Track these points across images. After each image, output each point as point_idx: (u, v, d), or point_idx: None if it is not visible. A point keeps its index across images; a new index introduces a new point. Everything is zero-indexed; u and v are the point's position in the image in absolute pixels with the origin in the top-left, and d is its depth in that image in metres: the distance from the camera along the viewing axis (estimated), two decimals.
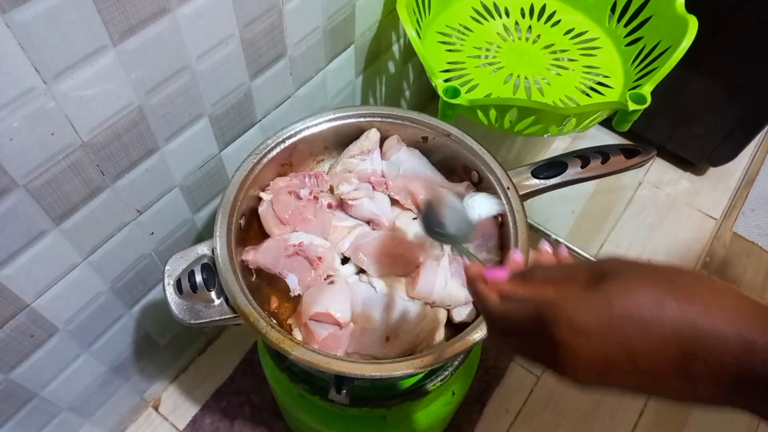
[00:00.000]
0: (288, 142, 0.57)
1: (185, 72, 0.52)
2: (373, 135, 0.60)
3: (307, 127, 0.58)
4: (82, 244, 0.53)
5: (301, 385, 0.54)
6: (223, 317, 0.46)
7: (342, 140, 0.61)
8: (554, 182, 0.57)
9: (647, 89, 0.68)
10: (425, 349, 0.48)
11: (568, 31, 0.85)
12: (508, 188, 0.55)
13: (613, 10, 0.82)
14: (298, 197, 0.56)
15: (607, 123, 0.72)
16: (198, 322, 0.46)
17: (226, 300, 0.47)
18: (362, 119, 0.60)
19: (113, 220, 0.55)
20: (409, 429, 0.60)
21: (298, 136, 0.58)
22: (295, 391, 0.59)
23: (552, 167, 0.58)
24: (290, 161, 0.59)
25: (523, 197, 0.56)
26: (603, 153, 0.58)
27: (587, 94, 0.77)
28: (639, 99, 0.67)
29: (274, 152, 0.56)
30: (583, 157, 0.58)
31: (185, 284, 0.47)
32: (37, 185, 0.45)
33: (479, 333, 0.45)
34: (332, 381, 0.48)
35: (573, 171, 0.58)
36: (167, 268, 0.48)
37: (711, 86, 0.93)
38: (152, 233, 0.62)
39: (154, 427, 0.81)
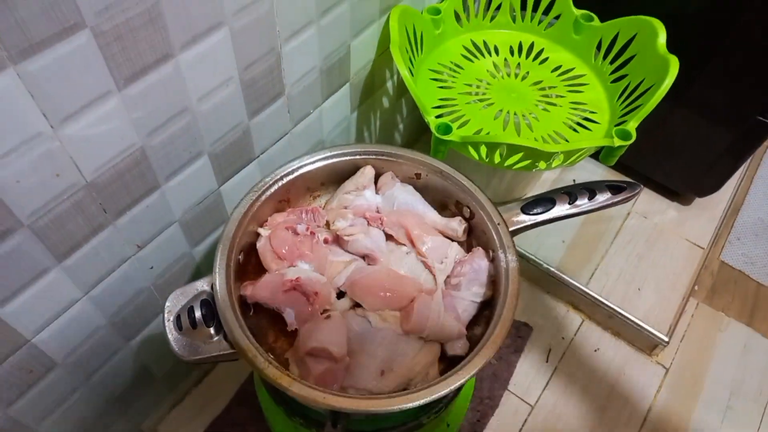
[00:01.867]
0: (285, 180, 0.59)
1: (186, 113, 0.54)
2: (368, 171, 0.62)
3: (304, 165, 0.60)
4: (83, 280, 0.54)
5: (298, 419, 0.55)
6: (221, 353, 0.47)
7: (338, 177, 0.63)
8: (543, 218, 0.59)
9: (632, 125, 0.70)
10: (420, 383, 0.49)
11: (556, 68, 0.88)
12: (498, 224, 0.56)
13: (599, 48, 0.86)
14: (296, 233, 0.57)
15: (596, 155, 0.74)
16: (197, 358, 0.47)
17: (225, 336, 0.48)
18: (357, 156, 0.62)
19: (114, 256, 0.57)
20: None
21: (296, 174, 0.59)
22: (291, 424, 0.59)
23: (541, 203, 0.60)
24: (287, 197, 0.61)
25: (514, 233, 0.58)
26: (590, 190, 0.61)
27: (575, 130, 0.79)
28: (624, 135, 0.70)
29: (272, 189, 0.58)
30: (571, 193, 0.60)
31: (185, 320, 0.48)
32: (41, 225, 0.46)
33: (472, 368, 0.46)
34: (328, 415, 0.49)
35: (561, 207, 0.60)
36: (167, 304, 0.49)
37: (695, 120, 0.96)
38: (152, 267, 0.63)
39: None
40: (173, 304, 0.49)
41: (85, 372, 0.62)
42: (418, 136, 1.12)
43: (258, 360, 0.45)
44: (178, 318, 0.48)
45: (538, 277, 1.01)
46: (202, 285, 0.51)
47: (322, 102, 0.75)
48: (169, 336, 0.47)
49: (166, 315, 0.48)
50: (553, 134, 0.79)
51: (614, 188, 0.61)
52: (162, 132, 0.53)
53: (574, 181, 1.10)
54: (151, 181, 0.55)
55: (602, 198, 0.60)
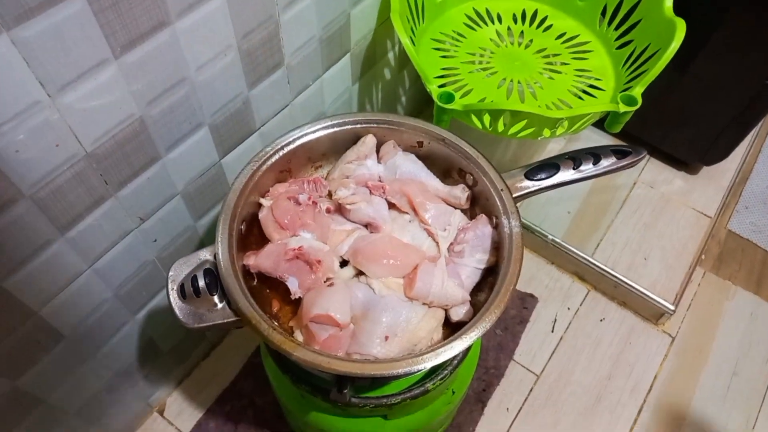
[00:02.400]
0: (286, 149, 0.58)
1: (185, 83, 0.53)
2: (370, 140, 0.61)
3: (305, 134, 0.59)
4: (86, 253, 0.55)
5: (303, 387, 0.55)
6: (225, 320, 0.47)
7: (339, 146, 0.62)
8: (547, 184, 0.59)
9: (638, 91, 0.69)
10: (424, 348, 0.49)
11: (560, 36, 0.86)
12: (502, 190, 0.56)
13: (603, 14, 0.84)
14: (297, 203, 0.57)
15: (601, 125, 0.73)
16: (201, 325, 0.47)
17: (229, 303, 0.48)
18: (358, 125, 0.61)
19: (117, 229, 0.57)
20: (410, 427, 0.62)
21: (296, 143, 0.59)
22: (297, 392, 0.60)
23: (544, 169, 0.59)
24: (289, 168, 0.60)
25: (517, 199, 0.57)
26: (594, 154, 0.60)
27: (579, 97, 0.78)
28: (630, 101, 0.69)
29: (273, 159, 0.57)
30: (575, 158, 0.59)
31: (188, 289, 0.48)
32: (42, 195, 0.46)
33: (476, 331, 0.46)
34: (333, 381, 0.49)
35: (565, 172, 0.59)
36: (170, 273, 0.49)
37: (701, 87, 0.95)
38: (155, 240, 0.63)
39: None
40: (176, 273, 0.49)
41: (92, 345, 0.63)
42: (421, 108, 1.11)
43: (262, 326, 0.45)
44: (181, 287, 0.48)
45: (544, 248, 1.01)
46: (204, 254, 0.51)
47: (323, 73, 0.74)
48: (173, 304, 0.47)
49: (169, 284, 0.48)
50: (558, 102, 0.78)
51: (619, 153, 0.60)
52: (161, 102, 0.52)
53: None
54: (151, 152, 0.55)
55: (607, 163, 0.59)
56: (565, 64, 0.83)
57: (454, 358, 0.48)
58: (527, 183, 0.59)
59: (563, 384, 0.89)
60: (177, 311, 0.47)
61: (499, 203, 0.56)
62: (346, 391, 0.49)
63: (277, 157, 0.58)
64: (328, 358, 0.44)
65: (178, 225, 0.65)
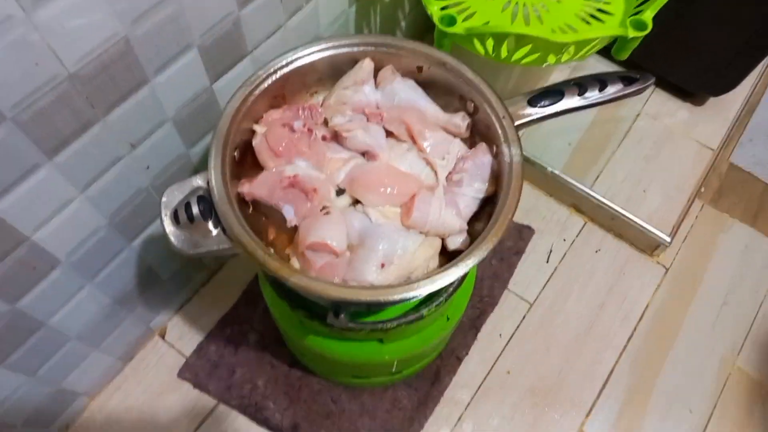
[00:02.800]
0: (280, 74, 0.56)
1: (172, 0, 0.50)
2: (367, 65, 0.59)
3: (300, 57, 0.57)
4: (77, 179, 0.54)
5: (301, 312, 0.56)
6: (221, 247, 0.47)
7: (336, 71, 0.60)
8: (551, 111, 0.57)
9: (648, 15, 0.66)
10: (420, 276, 0.49)
11: None
12: (503, 117, 0.54)
13: None
14: (292, 130, 0.55)
15: (607, 54, 0.70)
16: (197, 252, 0.47)
17: (224, 230, 0.47)
18: (356, 49, 0.58)
19: (107, 155, 0.55)
20: (405, 351, 0.63)
21: (290, 67, 0.56)
22: (295, 317, 0.61)
23: (549, 95, 0.57)
24: (283, 93, 0.58)
25: (519, 127, 0.55)
26: (601, 80, 0.57)
27: (587, 22, 0.75)
28: (639, 25, 0.66)
29: (266, 84, 0.55)
30: (581, 84, 0.57)
31: (182, 215, 0.47)
32: (25, 118, 0.45)
33: (472, 260, 0.46)
34: (330, 306, 0.50)
35: (570, 99, 0.57)
36: (164, 199, 0.48)
37: (712, 14, 0.90)
38: (148, 167, 0.62)
39: (161, 354, 0.84)
40: (169, 199, 0.48)
41: (89, 271, 0.63)
42: (422, 34, 1.07)
43: (258, 253, 0.45)
44: (175, 213, 0.47)
45: (543, 180, 1.00)
46: (197, 181, 0.50)
47: None
48: (167, 230, 0.47)
49: (163, 210, 0.47)
50: (564, 27, 0.74)
51: (626, 79, 0.57)
52: (146, 21, 0.49)
53: None
54: (138, 75, 0.53)
55: (613, 89, 0.57)
56: None
57: (449, 285, 0.49)
58: (530, 110, 0.57)
59: (556, 312, 0.91)
60: (171, 237, 0.47)
61: (500, 131, 0.54)
62: (342, 316, 0.50)
63: (270, 81, 0.55)
64: (323, 284, 0.44)
65: (170, 152, 0.64)
